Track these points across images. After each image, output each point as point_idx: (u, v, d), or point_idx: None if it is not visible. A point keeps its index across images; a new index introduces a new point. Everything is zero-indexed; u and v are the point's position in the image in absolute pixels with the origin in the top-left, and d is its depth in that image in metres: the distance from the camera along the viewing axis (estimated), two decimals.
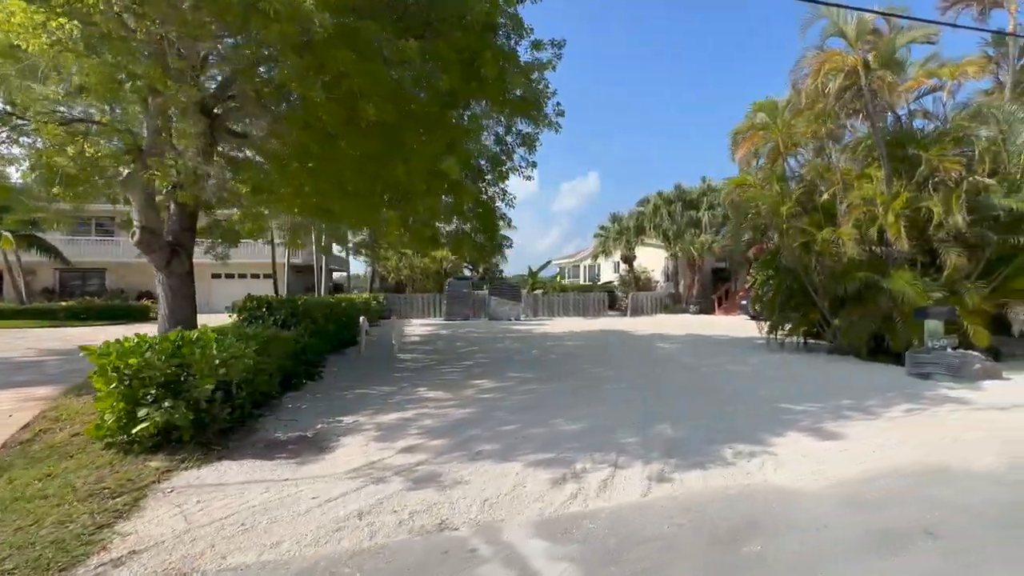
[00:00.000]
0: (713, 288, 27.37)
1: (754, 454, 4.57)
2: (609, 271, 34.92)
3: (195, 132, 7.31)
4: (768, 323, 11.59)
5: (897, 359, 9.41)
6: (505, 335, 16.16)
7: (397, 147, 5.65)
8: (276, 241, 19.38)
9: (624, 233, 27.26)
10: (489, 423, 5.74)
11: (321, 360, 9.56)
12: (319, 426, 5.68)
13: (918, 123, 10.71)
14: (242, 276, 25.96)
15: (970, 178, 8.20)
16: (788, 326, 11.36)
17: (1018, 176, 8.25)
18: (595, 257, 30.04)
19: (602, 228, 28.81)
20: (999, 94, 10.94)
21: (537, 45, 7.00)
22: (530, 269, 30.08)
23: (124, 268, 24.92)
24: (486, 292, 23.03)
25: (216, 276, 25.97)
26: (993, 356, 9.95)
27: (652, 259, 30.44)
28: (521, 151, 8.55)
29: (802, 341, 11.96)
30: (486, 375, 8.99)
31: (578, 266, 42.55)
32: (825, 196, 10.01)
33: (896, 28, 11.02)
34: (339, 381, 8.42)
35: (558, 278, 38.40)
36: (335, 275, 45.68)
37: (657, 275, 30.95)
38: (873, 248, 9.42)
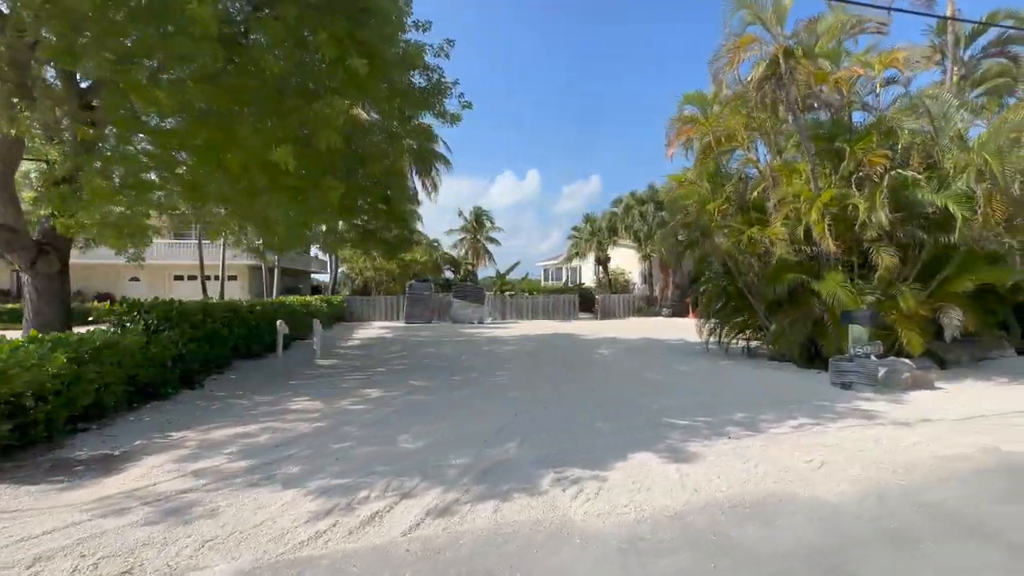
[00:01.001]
0: (690, 290, 26.70)
1: (580, 480, 4.00)
2: (590, 273, 34.32)
3: (70, 120, 6.77)
4: (705, 328, 10.99)
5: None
6: (452, 339, 15.59)
7: (230, 136, 5.12)
8: (204, 241, 18.73)
9: (596, 234, 26.65)
10: (324, 440, 5.19)
11: (217, 366, 9.05)
12: (138, 442, 5.14)
13: (860, 117, 10.14)
14: (206, 278, 25.48)
15: (892, 172, 7.61)
16: (725, 330, 10.76)
17: (951, 171, 7.66)
18: (569, 259, 29.45)
19: (575, 229, 28.19)
20: (946, 86, 10.34)
21: (400, 26, 6.46)
22: (498, 271, 29.53)
23: (85, 269, 24.43)
24: (451, 295, 22.49)
25: (179, 278, 25.53)
26: (938, 363, 9.39)
27: (630, 261, 29.82)
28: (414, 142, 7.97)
29: (746, 346, 11.37)
30: (384, 383, 8.43)
31: (561, 268, 42.00)
32: (755, 193, 9.44)
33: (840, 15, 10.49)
34: (222, 389, 7.89)
35: (517, 278, 37.49)
36: (316, 277, 45.26)
37: (635, 277, 30.35)
38: (802, 248, 8.83)
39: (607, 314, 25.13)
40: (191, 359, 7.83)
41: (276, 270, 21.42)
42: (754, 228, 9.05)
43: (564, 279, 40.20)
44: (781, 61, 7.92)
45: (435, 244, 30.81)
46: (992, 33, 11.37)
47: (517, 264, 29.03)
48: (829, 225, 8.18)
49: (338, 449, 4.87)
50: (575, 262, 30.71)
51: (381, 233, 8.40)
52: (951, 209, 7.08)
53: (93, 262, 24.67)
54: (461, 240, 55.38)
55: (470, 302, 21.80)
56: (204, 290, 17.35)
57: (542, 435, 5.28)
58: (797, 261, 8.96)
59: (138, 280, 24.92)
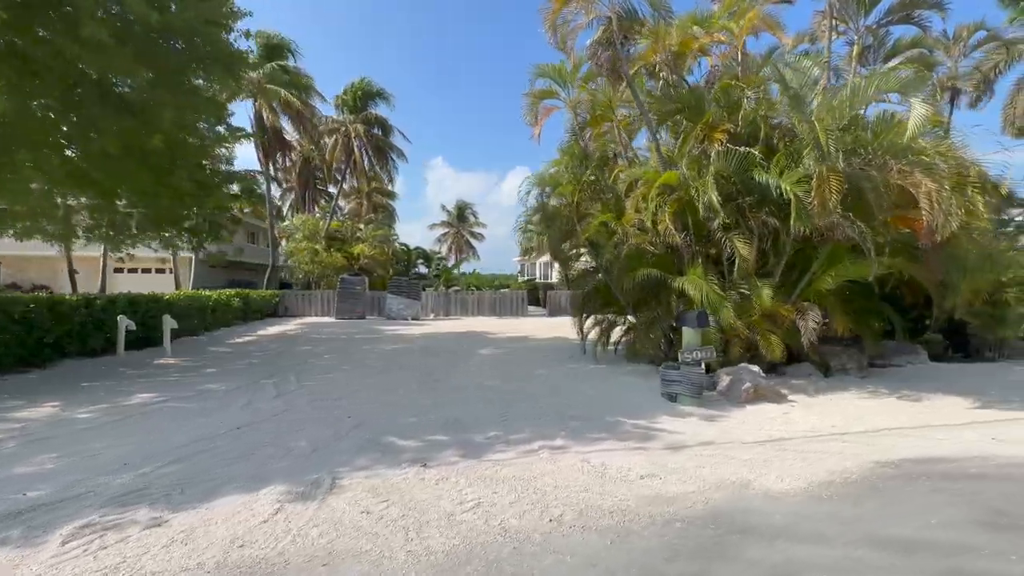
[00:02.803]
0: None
1: (115, 528, 3.11)
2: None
3: None
4: (577, 327, 9.97)
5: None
6: (351, 336, 14.71)
7: None
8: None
9: None
10: None
11: (25, 363, 8.31)
12: None
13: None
14: (146, 271, 24.98)
15: (720, 148, 6.52)
16: (601, 330, 9.72)
17: (804, 149, 6.55)
18: (525, 254, 28.38)
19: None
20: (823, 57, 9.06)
21: None
22: (445, 266, 28.57)
23: (22, 261, 24.10)
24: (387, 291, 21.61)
25: (119, 271, 25.03)
26: (822, 370, 8.35)
27: None
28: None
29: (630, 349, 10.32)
30: (182, 385, 7.62)
31: (535, 263, 41.05)
32: (612, 177, 8.38)
33: None
34: None
35: (476, 274, 36.28)
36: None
37: None
38: (657, 239, 7.76)
39: (557, 310, 24.09)
40: None
41: (192, 262, 20.77)
42: (608, 215, 8.03)
43: (538, 275, 39.24)
44: (614, 23, 6.87)
45: (392, 238, 29.96)
46: None
47: (464, 259, 28.03)
48: (677, 212, 7.14)
49: None
50: (542, 257, 29.62)
51: (182, 222, 7.55)
52: (782, 189, 6.01)
53: (29, 254, 24.30)
54: (444, 235, 54.72)
55: (404, 298, 20.90)
56: (73, 285, 16.63)
57: (216, 454, 4.43)
58: (655, 254, 7.94)
59: (78, 272, 24.44)
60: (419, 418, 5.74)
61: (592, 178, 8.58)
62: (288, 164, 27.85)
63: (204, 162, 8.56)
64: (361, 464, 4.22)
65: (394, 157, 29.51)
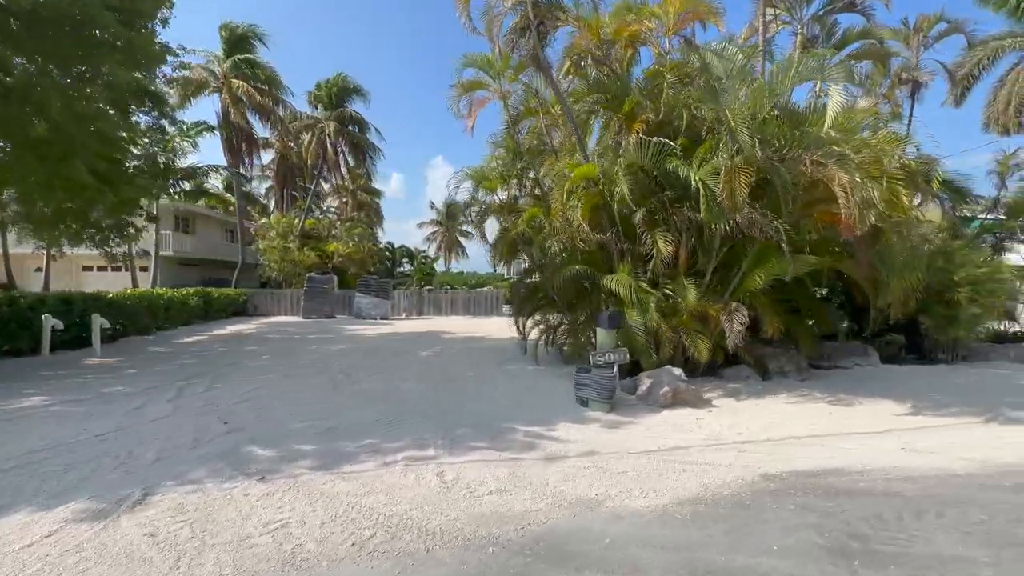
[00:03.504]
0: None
1: None
2: None
3: None
4: (514, 327, 9.63)
5: (629, 374, 7.47)
6: (304, 335, 14.37)
7: None
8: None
9: None
10: None
11: None
12: None
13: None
14: (116, 269, 24.58)
15: (635, 137, 6.18)
16: (539, 330, 9.37)
17: (720, 141, 6.18)
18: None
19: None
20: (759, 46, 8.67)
21: None
22: (420, 265, 28.21)
23: None
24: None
25: (88, 268, 24.71)
26: (760, 373, 8.03)
27: None
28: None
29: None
30: (85, 388, 7.26)
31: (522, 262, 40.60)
32: (542, 171, 8.05)
33: None
34: None
35: (450, 272, 35.83)
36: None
37: None
38: (584, 236, 7.41)
39: None
40: None
41: (154, 259, 20.40)
42: (538, 209, 7.70)
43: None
44: (529, 10, 6.52)
45: (372, 236, 29.58)
46: None
47: (438, 258, 27.67)
48: (600, 206, 6.80)
49: None
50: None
51: (85, 217, 7.22)
52: (691, 180, 5.67)
53: None
54: (433, 234, 54.25)
55: (373, 296, 20.53)
56: (11, 280, 16.20)
57: (52, 463, 4.14)
58: (586, 251, 7.60)
59: (42, 270, 24.11)
60: (305, 424, 5.41)
61: (531, 175, 8.24)
62: (260, 161, 27.48)
63: (121, 154, 8.21)
64: (194, 477, 3.88)
65: (371, 155, 29.17)
